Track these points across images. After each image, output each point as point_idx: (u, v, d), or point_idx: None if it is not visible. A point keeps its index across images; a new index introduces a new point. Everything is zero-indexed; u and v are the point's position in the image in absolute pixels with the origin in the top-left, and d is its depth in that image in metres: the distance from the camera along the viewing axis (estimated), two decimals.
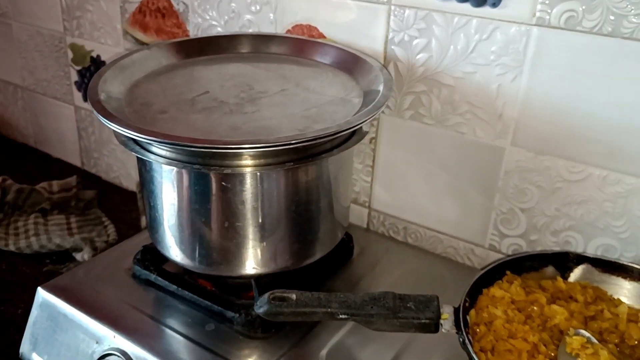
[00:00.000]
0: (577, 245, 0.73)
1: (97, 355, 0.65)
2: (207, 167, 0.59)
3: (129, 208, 1.14)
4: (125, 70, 0.70)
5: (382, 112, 0.81)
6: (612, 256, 0.71)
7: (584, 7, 0.63)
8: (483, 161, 0.76)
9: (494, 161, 0.75)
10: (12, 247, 0.99)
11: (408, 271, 0.78)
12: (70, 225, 1.07)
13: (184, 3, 0.95)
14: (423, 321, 0.56)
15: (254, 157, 0.59)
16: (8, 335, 0.80)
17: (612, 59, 0.63)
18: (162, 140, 0.54)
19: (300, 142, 0.54)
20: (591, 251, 0.72)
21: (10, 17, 1.23)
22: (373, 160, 0.85)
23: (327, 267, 0.76)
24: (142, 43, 1.03)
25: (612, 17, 0.62)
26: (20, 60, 1.26)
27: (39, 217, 1.08)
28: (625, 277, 0.65)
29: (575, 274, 0.67)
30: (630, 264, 0.64)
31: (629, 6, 0.61)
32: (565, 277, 0.67)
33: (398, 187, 0.84)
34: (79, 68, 1.16)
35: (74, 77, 1.18)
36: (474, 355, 0.53)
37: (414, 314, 0.56)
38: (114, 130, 0.58)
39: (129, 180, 1.19)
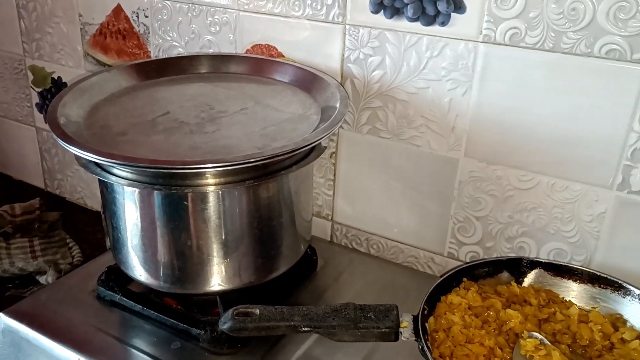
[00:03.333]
0: (531, 251, 0.76)
1: None
2: (168, 187, 0.60)
3: (94, 228, 1.13)
4: (84, 93, 0.71)
5: (341, 127, 0.83)
6: (563, 260, 0.74)
7: (526, 25, 0.67)
8: (438, 172, 0.78)
9: (449, 172, 0.78)
10: None
11: (371, 281, 0.80)
12: (34, 248, 1.06)
13: (144, 25, 0.96)
14: (383, 330, 0.58)
15: (214, 175, 0.60)
16: None
17: (554, 72, 0.67)
18: (121, 162, 0.55)
19: (257, 160, 0.56)
20: (544, 256, 0.76)
21: None
22: (334, 175, 0.87)
23: (292, 280, 0.77)
24: (104, 64, 1.03)
25: (552, 34, 0.66)
26: None
27: (1, 241, 1.06)
28: (575, 280, 0.68)
29: (529, 279, 0.70)
30: (578, 267, 0.67)
31: (567, 23, 0.65)
32: (519, 281, 0.70)
33: (359, 200, 0.87)
34: (39, 90, 1.16)
35: (35, 98, 1.17)
36: None
37: (374, 324, 0.58)
38: (74, 154, 0.59)
39: (94, 200, 1.19)
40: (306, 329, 0.58)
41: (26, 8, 1.09)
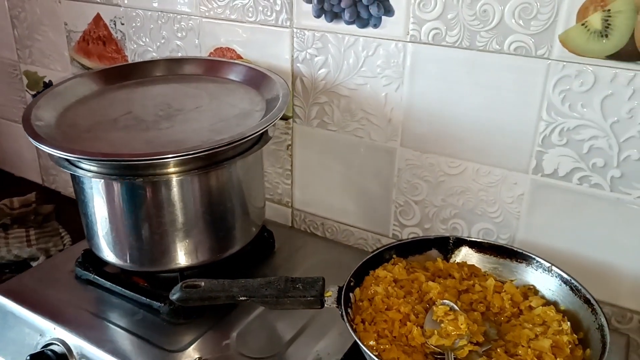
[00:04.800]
0: (463, 231, 0.84)
1: (40, 346, 0.74)
2: (124, 177, 0.69)
3: None
4: (57, 96, 0.80)
5: (294, 121, 0.91)
6: (491, 239, 0.82)
7: (446, 26, 0.74)
8: (380, 161, 0.86)
9: (389, 160, 0.85)
10: None
11: (320, 261, 0.88)
12: (30, 237, 1.16)
13: (121, 31, 1.05)
14: (309, 298, 0.66)
15: (165, 166, 0.69)
16: None
17: (471, 68, 0.74)
18: (79, 156, 0.64)
19: (193, 153, 0.64)
20: (474, 235, 0.83)
21: None
22: (291, 165, 0.96)
23: (250, 260, 0.86)
24: (88, 68, 1.13)
25: (468, 34, 0.73)
26: None
27: (0, 232, 1.17)
28: (495, 255, 0.75)
29: (457, 255, 0.77)
30: (496, 243, 0.75)
31: (480, 24, 0.72)
32: (447, 258, 0.77)
33: (314, 188, 0.95)
34: (33, 92, 1.26)
35: (30, 100, 1.27)
36: (347, 324, 0.63)
37: (301, 293, 0.66)
38: (44, 151, 0.68)
39: None
40: (243, 298, 0.66)
41: (18, 17, 1.19)
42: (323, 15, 0.82)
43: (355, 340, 0.67)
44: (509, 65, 0.72)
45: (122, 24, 1.04)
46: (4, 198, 1.24)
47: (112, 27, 1.06)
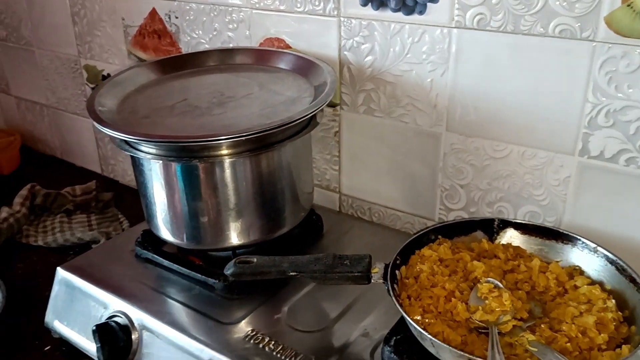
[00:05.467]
0: (509, 214, 0.85)
1: (104, 318, 0.80)
2: (180, 159, 0.74)
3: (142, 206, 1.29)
4: (117, 85, 0.85)
5: (342, 108, 0.94)
6: (537, 221, 0.82)
7: (490, 10, 0.75)
8: (425, 146, 0.88)
9: (434, 145, 0.87)
10: (40, 242, 1.16)
11: (367, 243, 0.90)
12: (91, 222, 1.23)
13: (175, 25, 1.10)
14: (356, 274, 0.69)
15: (218, 148, 0.73)
16: (38, 311, 0.96)
17: (516, 52, 0.75)
18: (140, 138, 0.69)
19: (244, 135, 0.68)
20: (520, 218, 0.84)
21: (33, 45, 1.41)
22: (339, 152, 0.98)
23: (299, 242, 0.89)
24: (144, 61, 1.19)
25: (512, 18, 0.74)
26: (44, 82, 1.44)
27: (64, 217, 1.24)
28: (541, 237, 0.76)
29: (502, 237, 0.79)
30: (542, 225, 0.75)
31: (524, 8, 0.73)
32: (492, 240, 0.78)
33: (361, 173, 0.97)
34: (92, 86, 1.33)
35: (90, 94, 1.35)
36: (394, 299, 0.66)
37: (348, 269, 0.69)
38: (108, 134, 0.73)
39: None
40: (293, 273, 0.70)
41: (78, 15, 1.26)
42: (369, 3, 0.85)
43: (401, 316, 0.70)
44: (554, 48, 0.73)
45: (177, 17, 1.09)
46: (67, 186, 1.32)
47: (166, 21, 1.11)
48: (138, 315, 0.78)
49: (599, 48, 0.70)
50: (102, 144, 1.40)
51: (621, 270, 0.67)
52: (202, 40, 1.08)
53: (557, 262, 0.74)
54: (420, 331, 0.61)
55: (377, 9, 0.84)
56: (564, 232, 0.74)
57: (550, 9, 0.71)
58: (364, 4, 0.85)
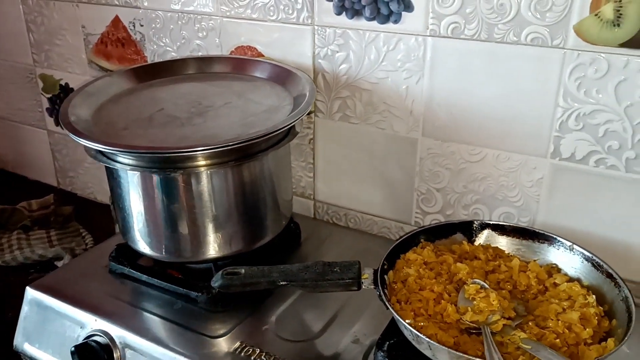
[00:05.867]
0: (484, 215, 0.87)
1: (81, 338, 0.77)
2: (162, 170, 0.72)
3: (105, 219, 1.24)
4: (91, 95, 0.82)
5: (316, 116, 0.95)
6: (512, 222, 0.85)
7: (464, 19, 0.78)
8: (402, 151, 0.90)
9: (411, 150, 0.89)
10: None
11: (347, 249, 0.91)
12: (51, 238, 1.18)
13: (140, 33, 1.08)
14: (346, 281, 0.69)
15: (201, 159, 0.72)
16: (3, 335, 0.91)
17: (489, 59, 0.78)
18: (123, 150, 0.67)
19: (231, 145, 0.68)
20: (495, 219, 0.86)
21: None
22: (313, 158, 0.99)
23: (278, 251, 0.89)
24: (106, 70, 1.15)
25: (486, 26, 0.77)
26: None
27: (21, 233, 1.18)
28: (518, 237, 0.79)
29: (480, 238, 0.81)
30: (519, 226, 0.78)
31: (497, 17, 0.75)
32: (472, 241, 0.80)
33: (336, 180, 0.98)
34: (49, 96, 1.28)
35: (45, 104, 1.30)
36: (387, 304, 0.66)
37: (339, 276, 0.69)
38: (84, 146, 0.71)
39: (103, 194, 1.31)
40: (283, 282, 0.69)
41: (34, 22, 1.21)
42: (344, 12, 0.86)
43: (391, 320, 0.71)
44: (526, 56, 0.76)
45: (142, 26, 1.06)
46: (20, 201, 1.26)
47: (131, 29, 1.08)
48: (119, 333, 0.75)
49: (569, 55, 0.73)
50: (59, 156, 1.34)
51: (597, 266, 0.71)
52: (169, 49, 1.06)
53: (535, 261, 0.76)
54: (417, 334, 0.62)
55: (352, 17, 0.85)
56: (541, 231, 0.76)
57: (523, 18, 0.74)
58: (339, 13, 0.86)
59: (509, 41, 0.76)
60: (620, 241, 0.78)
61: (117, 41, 1.11)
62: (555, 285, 0.73)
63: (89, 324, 0.77)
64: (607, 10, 0.70)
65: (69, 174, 1.35)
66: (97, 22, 1.12)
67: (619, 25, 0.70)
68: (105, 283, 0.85)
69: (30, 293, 0.83)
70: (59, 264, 1.10)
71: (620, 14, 0.70)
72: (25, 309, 0.84)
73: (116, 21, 1.09)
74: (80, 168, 1.32)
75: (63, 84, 1.24)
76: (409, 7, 0.81)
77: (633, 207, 0.76)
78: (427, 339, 0.61)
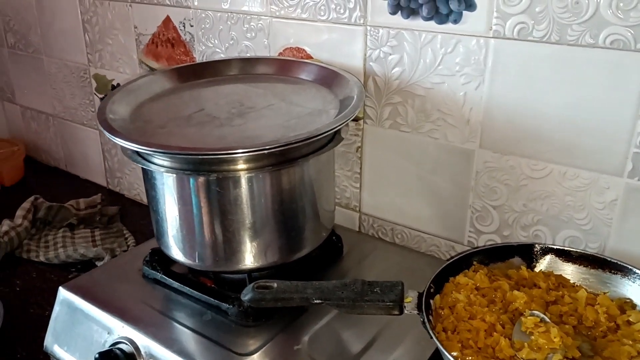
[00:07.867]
0: (546, 238, 0.79)
1: (108, 344, 0.73)
2: (198, 172, 0.68)
3: (148, 221, 1.22)
4: (131, 93, 0.80)
5: (365, 122, 0.89)
6: (578, 247, 0.76)
7: (533, 20, 0.70)
8: (456, 163, 0.82)
9: (466, 163, 0.81)
10: (42, 258, 1.10)
11: (391, 266, 0.84)
12: (95, 238, 1.17)
13: (190, 33, 1.05)
14: (387, 303, 0.62)
15: (239, 162, 0.67)
16: (36, 333, 0.90)
17: (560, 64, 0.70)
18: (154, 149, 0.63)
19: (270, 148, 0.62)
20: (559, 243, 0.78)
21: (42, 53, 1.36)
22: (360, 168, 0.93)
23: (318, 264, 0.83)
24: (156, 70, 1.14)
25: (557, 27, 0.69)
26: (51, 90, 1.39)
27: (67, 231, 1.18)
28: (586, 266, 0.70)
29: (542, 264, 0.72)
30: (588, 253, 0.69)
31: (571, 17, 0.67)
32: (532, 267, 0.72)
33: (383, 192, 0.91)
34: (101, 96, 1.28)
35: (98, 104, 1.30)
36: (431, 333, 0.59)
37: (379, 297, 0.63)
38: (118, 144, 0.68)
39: None
40: (317, 300, 0.63)
41: (90, 22, 1.21)
42: (399, 11, 0.80)
43: (435, 350, 0.63)
44: (603, 61, 0.67)
45: (192, 26, 1.04)
46: (70, 199, 1.26)
47: (181, 29, 1.06)
48: (145, 342, 0.71)
49: None
50: (108, 156, 1.34)
51: None
52: (218, 50, 1.03)
53: (605, 293, 0.67)
54: None
55: (408, 17, 0.79)
56: (614, 260, 0.67)
57: (601, 18, 0.66)
58: (393, 12, 0.80)
59: (584, 44, 0.68)
60: None
61: (167, 41, 1.09)
62: (629, 323, 0.63)
63: (116, 330, 0.74)
64: None
65: (117, 175, 1.35)
66: (149, 22, 1.11)
67: None
68: (137, 288, 0.82)
69: (62, 293, 0.81)
70: (99, 263, 1.08)
71: None
72: (56, 309, 0.82)
73: (167, 21, 1.07)
74: (127, 169, 1.31)
75: (115, 84, 1.24)
76: (470, 6, 0.74)
77: None
78: None
